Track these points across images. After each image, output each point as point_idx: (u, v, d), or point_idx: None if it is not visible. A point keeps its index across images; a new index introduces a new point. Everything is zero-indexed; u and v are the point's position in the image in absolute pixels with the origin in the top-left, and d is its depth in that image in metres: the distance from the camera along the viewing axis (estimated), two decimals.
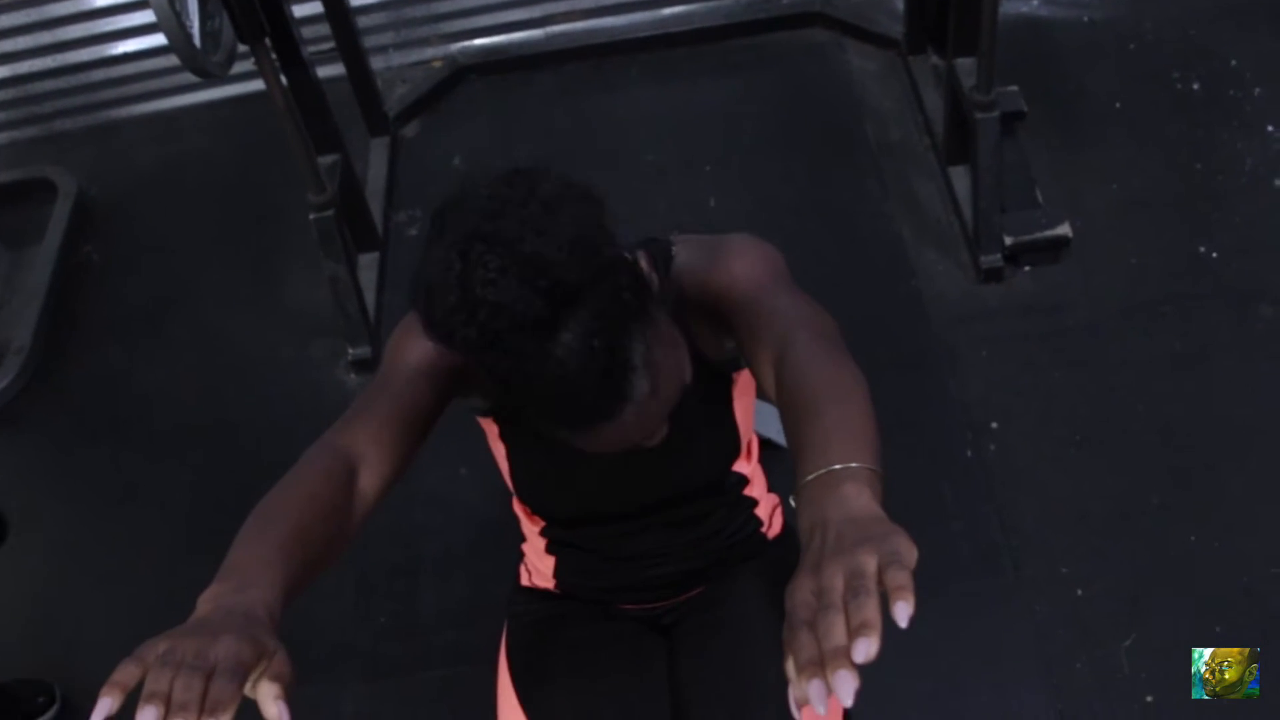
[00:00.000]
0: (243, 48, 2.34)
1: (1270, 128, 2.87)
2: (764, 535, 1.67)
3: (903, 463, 2.40)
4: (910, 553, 0.92)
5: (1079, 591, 2.20)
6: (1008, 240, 2.63)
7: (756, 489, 1.65)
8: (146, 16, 2.01)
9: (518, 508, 1.64)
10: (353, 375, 2.72)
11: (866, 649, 0.86)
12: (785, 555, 1.66)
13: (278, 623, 1.04)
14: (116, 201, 3.27)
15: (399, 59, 3.41)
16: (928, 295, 2.67)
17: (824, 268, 2.74)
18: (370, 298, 2.78)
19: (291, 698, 0.96)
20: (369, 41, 3.18)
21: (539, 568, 1.67)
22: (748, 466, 1.62)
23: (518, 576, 1.75)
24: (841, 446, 1.03)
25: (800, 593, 0.91)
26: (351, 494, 1.22)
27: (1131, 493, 2.31)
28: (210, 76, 2.24)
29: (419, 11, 3.41)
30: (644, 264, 1.20)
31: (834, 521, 0.96)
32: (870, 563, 0.90)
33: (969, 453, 2.40)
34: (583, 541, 1.59)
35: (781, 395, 1.15)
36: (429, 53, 3.42)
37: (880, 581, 0.90)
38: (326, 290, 2.69)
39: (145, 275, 3.06)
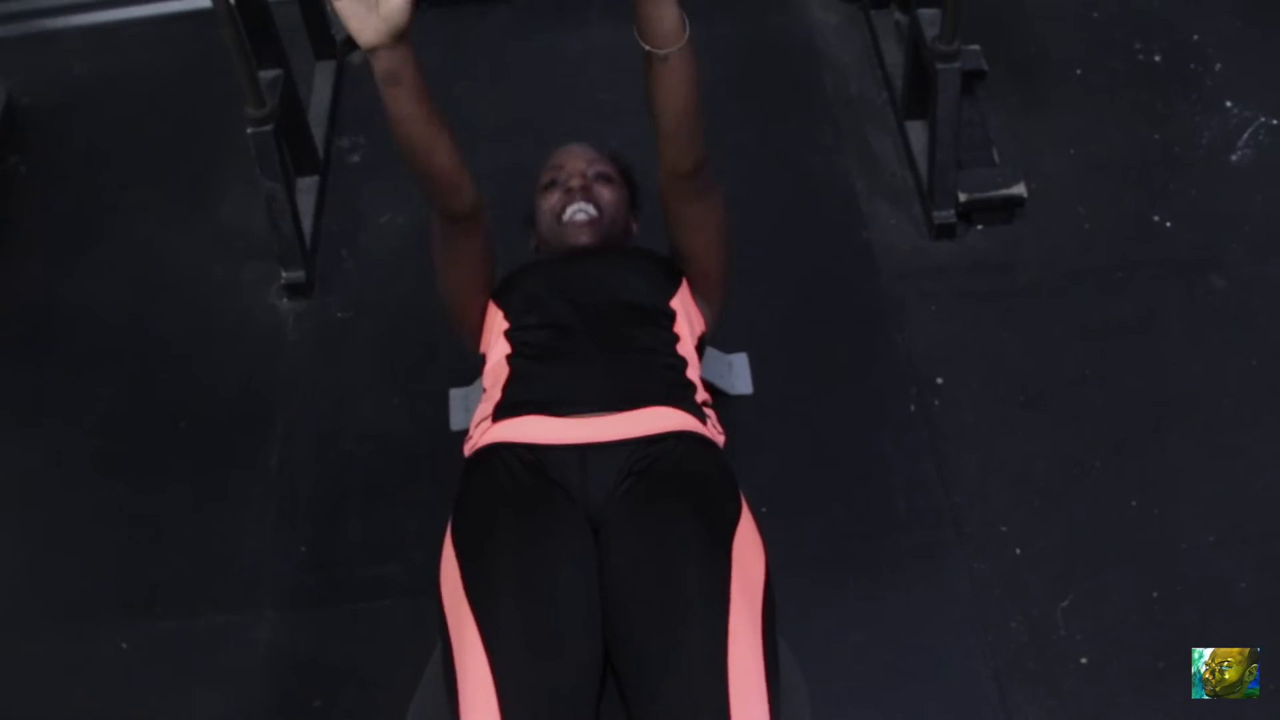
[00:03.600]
0: None
1: (1229, 103, 2.86)
2: (699, 407, 1.80)
3: (845, 414, 2.38)
4: None
5: (1017, 550, 2.17)
6: (962, 197, 2.60)
7: (685, 345, 1.88)
8: None
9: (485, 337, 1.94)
10: (285, 300, 2.64)
11: None
12: (717, 466, 1.73)
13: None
14: (49, 112, 3.14)
15: None
16: (878, 248, 2.64)
17: (776, 217, 2.70)
18: (307, 222, 2.69)
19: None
20: None
21: (490, 394, 1.82)
22: (685, 344, 1.88)
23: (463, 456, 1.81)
24: None
25: None
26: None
27: (1074, 455, 2.29)
28: None
29: None
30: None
31: None
32: None
33: (912, 407, 2.37)
34: (533, 312, 1.86)
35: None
36: None
37: None
38: (263, 213, 2.60)
39: (74, 189, 2.94)
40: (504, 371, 1.82)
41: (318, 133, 2.88)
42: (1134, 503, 2.22)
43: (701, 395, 1.85)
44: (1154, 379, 2.40)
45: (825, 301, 2.57)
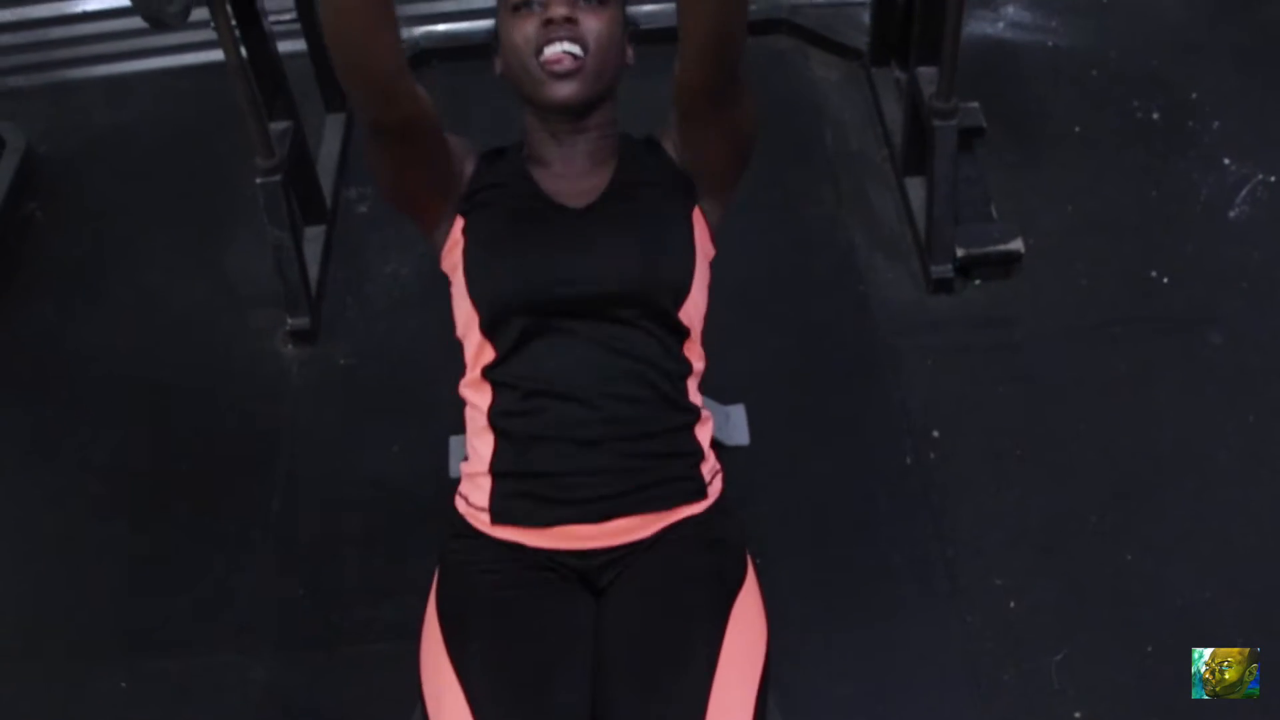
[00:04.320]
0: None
1: (1227, 160, 2.89)
2: (702, 477, 1.65)
3: (842, 466, 2.39)
4: None
5: (1012, 604, 2.18)
6: (959, 252, 2.63)
7: (692, 389, 1.68)
8: None
9: (465, 382, 1.68)
10: (290, 346, 2.67)
11: None
12: (725, 526, 1.66)
13: None
14: (66, 160, 3.21)
15: None
16: (876, 302, 2.66)
17: (775, 270, 2.73)
18: (314, 270, 2.74)
19: None
20: None
21: (477, 449, 1.65)
22: (693, 349, 1.68)
23: (453, 520, 1.70)
24: None
25: None
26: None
27: (1069, 509, 2.30)
28: (165, 27, 2.21)
29: None
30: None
31: None
32: None
33: (908, 460, 2.38)
34: (521, 369, 1.60)
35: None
36: None
37: None
38: (270, 260, 2.65)
39: (88, 235, 3.00)
40: (488, 435, 1.63)
41: (326, 183, 2.93)
42: (1129, 557, 2.23)
43: (703, 432, 1.70)
44: (1150, 434, 2.41)
45: (823, 354, 2.59)
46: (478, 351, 1.64)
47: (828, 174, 2.95)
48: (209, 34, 2.38)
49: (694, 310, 1.65)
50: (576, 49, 1.54)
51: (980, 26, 3.29)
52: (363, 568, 2.31)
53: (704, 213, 1.68)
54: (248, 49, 2.50)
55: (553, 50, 1.53)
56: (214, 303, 2.80)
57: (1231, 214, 2.79)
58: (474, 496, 1.65)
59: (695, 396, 1.69)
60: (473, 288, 1.61)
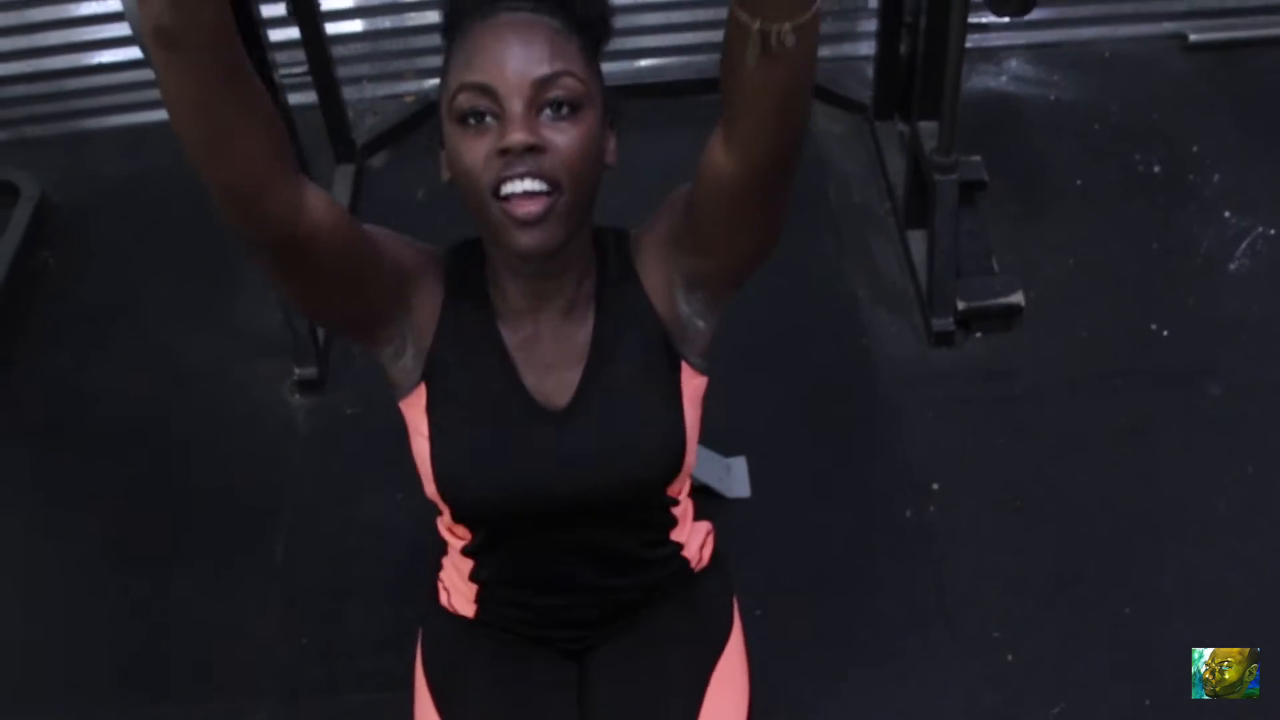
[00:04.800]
0: None
1: (1227, 213, 2.91)
2: (691, 571, 1.64)
3: (842, 517, 2.41)
4: None
5: (1010, 656, 2.18)
6: (960, 305, 2.65)
7: (683, 530, 1.59)
8: (125, 29, 2.00)
9: (442, 526, 1.60)
10: (298, 396, 2.70)
11: None
12: (711, 588, 1.65)
13: None
14: (79, 209, 3.25)
15: (372, 91, 3.43)
16: (878, 355, 2.68)
17: (778, 321, 2.75)
18: None
19: None
20: (344, 72, 3.19)
21: (460, 588, 1.63)
22: (680, 507, 1.56)
23: (435, 595, 1.71)
24: None
25: None
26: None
27: (1069, 561, 2.31)
28: None
29: (396, 45, 3.44)
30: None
31: None
32: None
33: (908, 512, 2.39)
34: (498, 561, 1.53)
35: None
36: (402, 87, 3.44)
37: None
38: (279, 310, 2.68)
39: (100, 283, 3.04)
40: (469, 587, 1.60)
41: None
42: (1127, 610, 2.23)
43: (687, 532, 1.60)
44: (1150, 485, 2.42)
45: (824, 406, 2.60)
46: (450, 529, 1.55)
47: (831, 226, 2.98)
48: None
49: (682, 480, 1.50)
50: (543, 186, 1.22)
51: (983, 80, 3.32)
52: (366, 617, 2.32)
53: (691, 365, 1.42)
54: None
55: (513, 187, 1.22)
56: (223, 351, 2.83)
57: (1232, 267, 2.81)
58: (457, 602, 1.64)
59: (680, 535, 1.59)
60: (442, 487, 1.40)
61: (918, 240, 2.80)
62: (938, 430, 2.53)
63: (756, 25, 1.05)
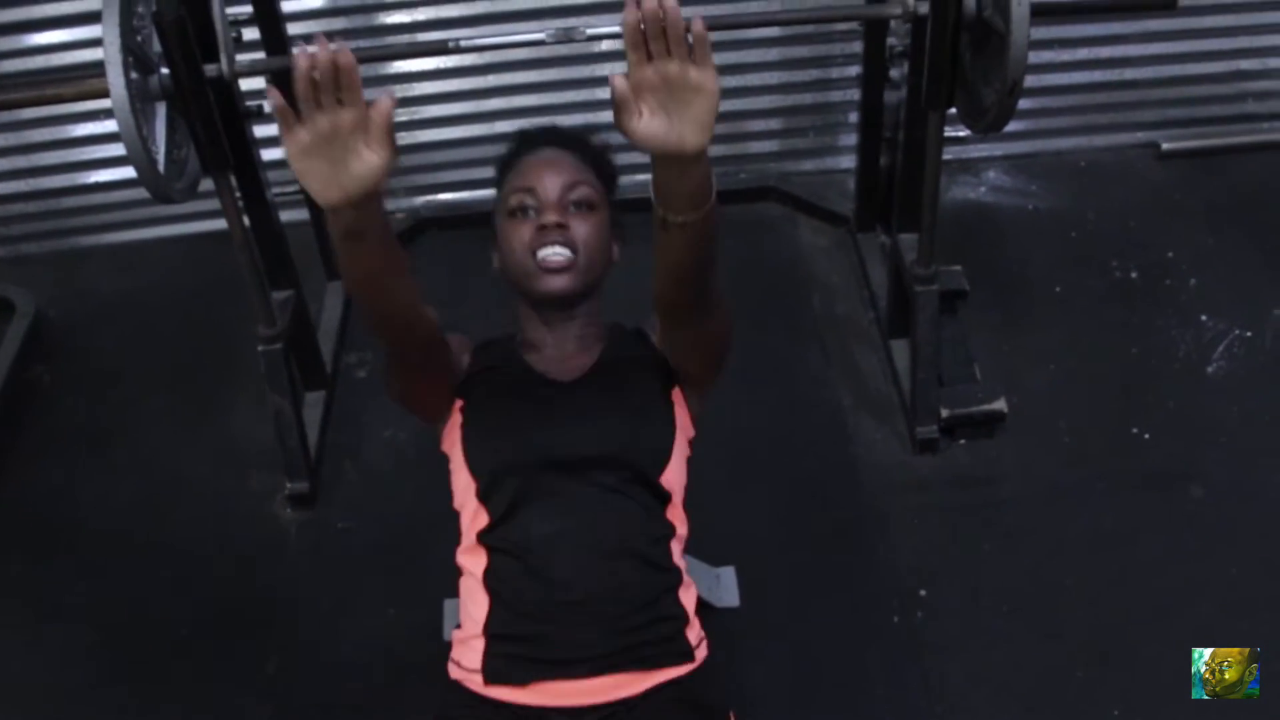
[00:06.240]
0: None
1: (1204, 317, 2.96)
2: (688, 641, 1.72)
3: (830, 625, 2.41)
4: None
5: None
6: (944, 413, 2.68)
7: (676, 553, 1.78)
8: (120, 149, 2.07)
9: (463, 542, 1.80)
10: (289, 510, 2.71)
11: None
12: (712, 701, 1.72)
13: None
14: (74, 325, 3.30)
15: None
16: (863, 462, 2.71)
17: (764, 431, 2.78)
18: (313, 435, 2.80)
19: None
20: None
21: (471, 613, 1.73)
22: (675, 513, 1.80)
23: (448, 677, 1.77)
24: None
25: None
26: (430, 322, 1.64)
27: (1056, 665, 2.31)
28: (171, 201, 2.28)
29: None
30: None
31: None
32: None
33: (896, 618, 2.41)
34: (513, 534, 1.72)
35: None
36: (393, 205, 3.50)
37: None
38: (271, 426, 2.71)
39: (93, 398, 3.07)
40: (483, 596, 1.73)
41: (327, 349, 3.00)
42: (1116, 712, 2.23)
43: (688, 596, 1.78)
44: (1135, 589, 2.43)
45: (811, 515, 2.62)
46: (473, 518, 1.76)
47: (815, 336, 3.02)
48: (214, 204, 2.45)
49: (674, 479, 1.79)
50: (567, 252, 1.75)
51: (963, 191, 3.40)
52: None
53: (685, 396, 1.85)
54: (251, 220, 2.58)
55: (546, 252, 1.75)
56: (216, 465, 2.85)
57: (1210, 369, 2.86)
58: (466, 659, 1.72)
59: (679, 560, 1.78)
60: (471, 459, 1.76)
61: (901, 349, 2.85)
62: (924, 536, 2.55)
63: (660, 213, 1.42)
